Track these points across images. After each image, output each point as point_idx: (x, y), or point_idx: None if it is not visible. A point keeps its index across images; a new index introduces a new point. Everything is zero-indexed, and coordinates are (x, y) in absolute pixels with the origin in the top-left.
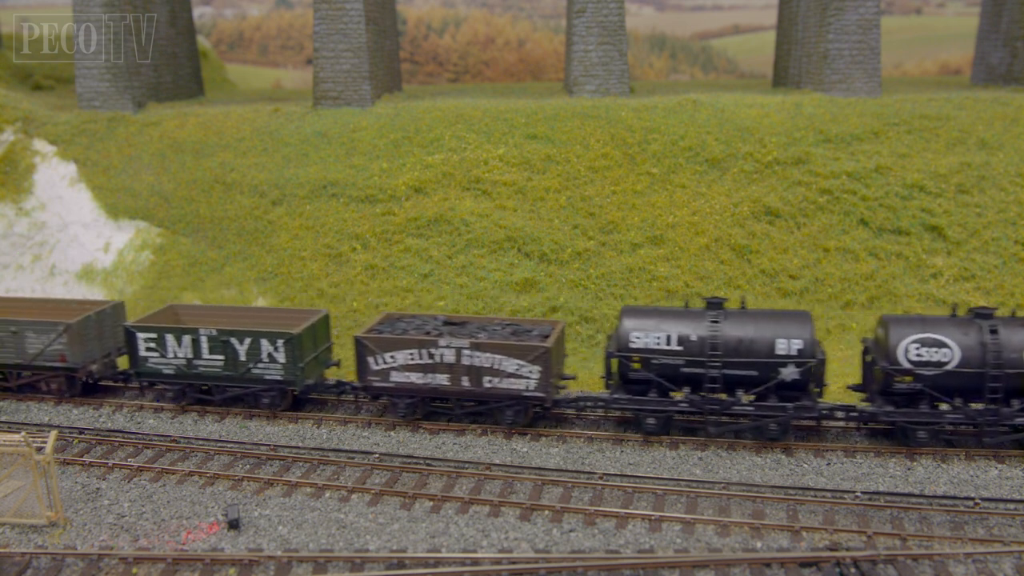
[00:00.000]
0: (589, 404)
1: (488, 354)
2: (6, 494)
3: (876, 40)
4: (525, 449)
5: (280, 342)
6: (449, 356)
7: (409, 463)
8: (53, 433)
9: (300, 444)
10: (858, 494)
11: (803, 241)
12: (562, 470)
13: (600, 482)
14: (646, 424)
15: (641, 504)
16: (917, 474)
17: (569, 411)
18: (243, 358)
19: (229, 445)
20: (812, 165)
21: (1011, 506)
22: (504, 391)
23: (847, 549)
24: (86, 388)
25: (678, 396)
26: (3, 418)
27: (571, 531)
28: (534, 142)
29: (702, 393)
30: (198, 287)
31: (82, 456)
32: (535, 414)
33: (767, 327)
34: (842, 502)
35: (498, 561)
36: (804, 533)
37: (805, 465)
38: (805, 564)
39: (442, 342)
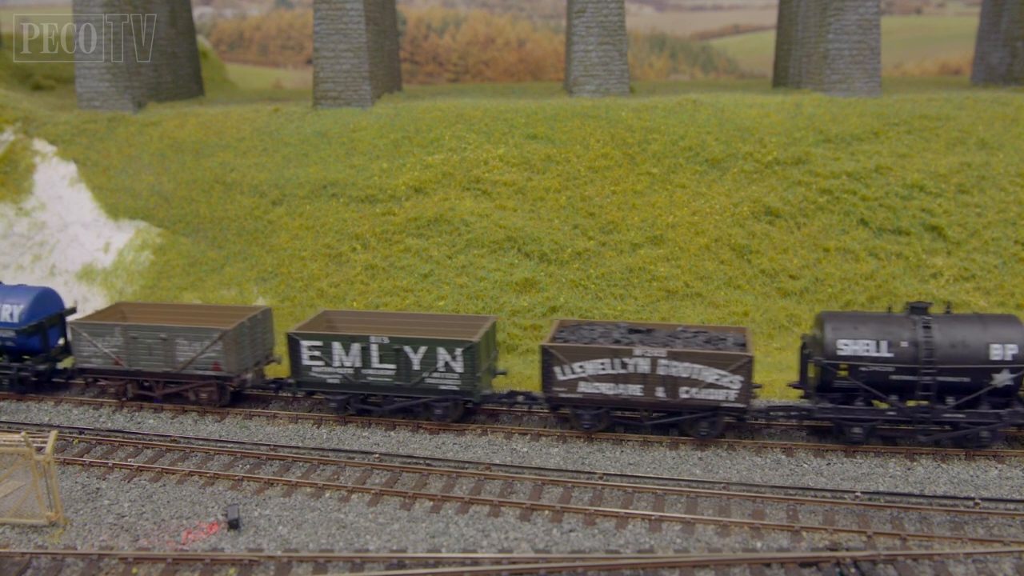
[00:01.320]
0: (782, 414)
1: (687, 364)
2: (6, 494)
3: (876, 40)
4: (525, 449)
5: (459, 351)
6: (644, 366)
7: (409, 463)
8: (53, 433)
9: (300, 444)
10: (858, 494)
11: (803, 241)
12: (562, 470)
13: (600, 482)
14: (852, 433)
15: (641, 504)
16: (917, 474)
17: (759, 422)
18: (417, 367)
19: (229, 445)
20: (812, 165)
21: (1011, 506)
22: (701, 402)
23: (847, 549)
24: (234, 397)
25: (882, 405)
26: (3, 418)
27: (571, 531)
28: (534, 142)
29: (911, 401)
30: (198, 287)
31: (82, 456)
32: (728, 424)
33: (979, 332)
34: (842, 502)
35: (498, 561)
36: (804, 533)
37: (805, 465)
38: (805, 564)
39: (637, 351)
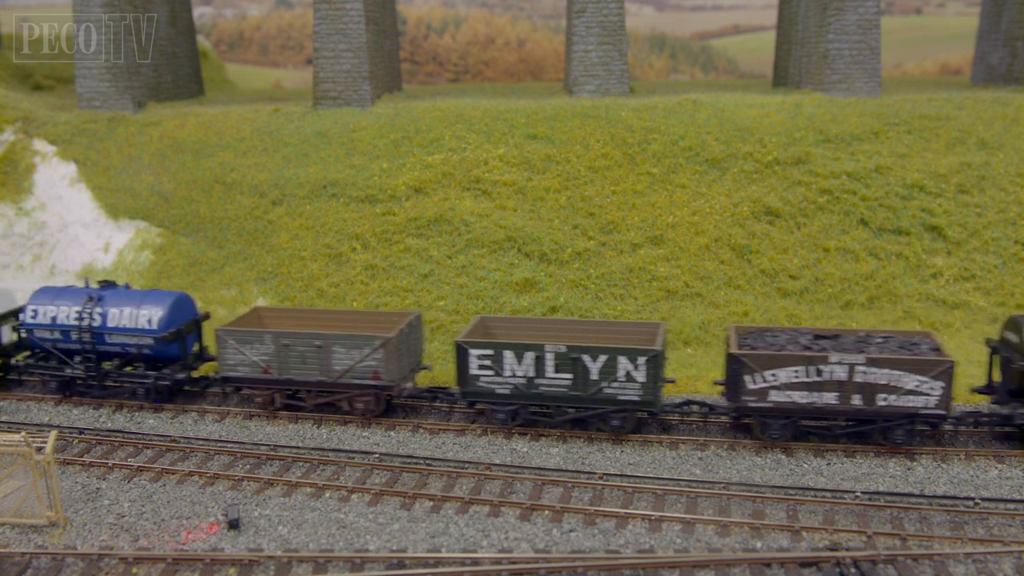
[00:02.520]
0: (978, 420)
1: (886, 370)
2: (6, 494)
3: (876, 40)
4: (525, 449)
5: (642, 359)
6: (840, 373)
7: (409, 463)
8: (53, 433)
9: (300, 444)
10: (858, 494)
11: (803, 241)
12: (562, 470)
13: (600, 482)
14: None
15: (641, 504)
16: (917, 474)
17: (956, 428)
18: (595, 377)
19: (229, 445)
20: (812, 165)
21: (1011, 506)
22: (899, 409)
23: (847, 549)
24: (387, 408)
25: None
26: (3, 418)
27: (571, 531)
28: (534, 142)
29: None
30: (198, 287)
31: (82, 456)
32: (924, 432)
33: None
34: (842, 502)
35: (498, 561)
36: (804, 533)
37: (805, 465)
38: (805, 564)
39: (833, 358)
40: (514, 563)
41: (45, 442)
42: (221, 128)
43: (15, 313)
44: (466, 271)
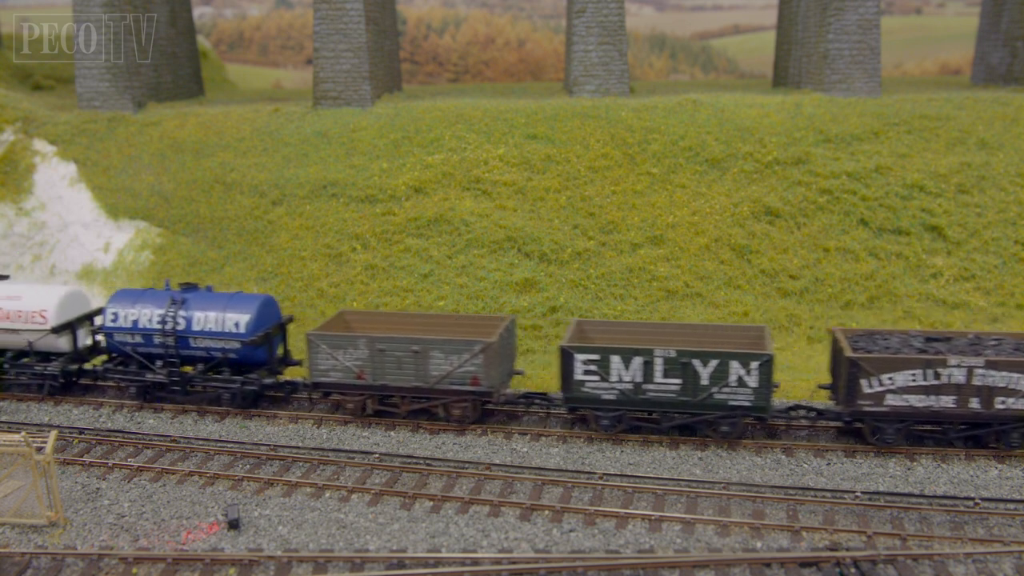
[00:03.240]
0: None
1: (1005, 372)
2: (6, 494)
3: (876, 40)
4: (525, 449)
5: (754, 364)
6: (959, 376)
7: (409, 463)
8: (53, 433)
9: (300, 444)
10: (858, 494)
11: (803, 241)
12: (562, 470)
13: (600, 482)
14: None
15: (641, 504)
16: (917, 474)
17: None
18: (705, 382)
19: (229, 445)
20: (812, 165)
21: (1011, 506)
22: (1017, 412)
23: (847, 549)
24: (484, 413)
25: None
26: (3, 418)
27: (571, 531)
28: (534, 142)
29: None
30: None
31: (82, 456)
32: None
33: None
34: (842, 502)
35: (498, 561)
36: (804, 533)
37: (805, 465)
38: (805, 564)
39: (952, 360)
40: (514, 563)
41: (45, 442)
42: (221, 128)
43: (90, 316)
44: (466, 271)
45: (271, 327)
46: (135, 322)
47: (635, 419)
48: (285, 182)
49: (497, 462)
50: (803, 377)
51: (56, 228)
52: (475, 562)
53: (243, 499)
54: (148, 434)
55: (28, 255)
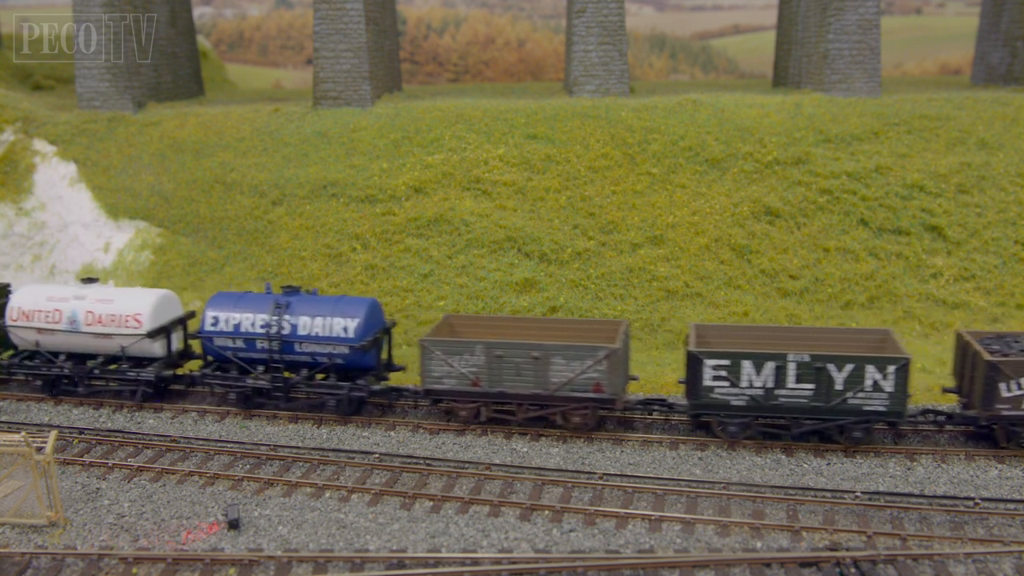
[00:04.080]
0: None
1: None
2: (6, 494)
3: (876, 40)
4: (525, 449)
5: (891, 368)
6: None
7: (409, 463)
8: (53, 433)
9: (300, 444)
10: (858, 494)
11: (803, 241)
12: (562, 470)
13: (600, 482)
14: None
15: (641, 504)
16: (917, 474)
17: None
18: (840, 387)
19: (229, 445)
20: (812, 165)
21: (1011, 506)
22: None
23: (847, 549)
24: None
25: None
26: (3, 418)
27: (571, 531)
28: (534, 142)
29: None
30: (198, 287)
31: (82, 456)
32: None
33: None
34: (842, 502)
35: (498, 561)
36: (804, 533)
37: (805, 465)
38: (805, 564)
39: None
40: (514, 563)
41: (45, 442)
42: (221, 128)
43: (183, 320)
44: (466, 271)
45: (378, 331)
46: (236, 326)
47: (764, 426)
48: (285, 182)
49: (497, 462)
50: None
51: (56, 228)
52: (475, 562)
53: (243, 499)
54: (148, 434)
55: (28, 255)
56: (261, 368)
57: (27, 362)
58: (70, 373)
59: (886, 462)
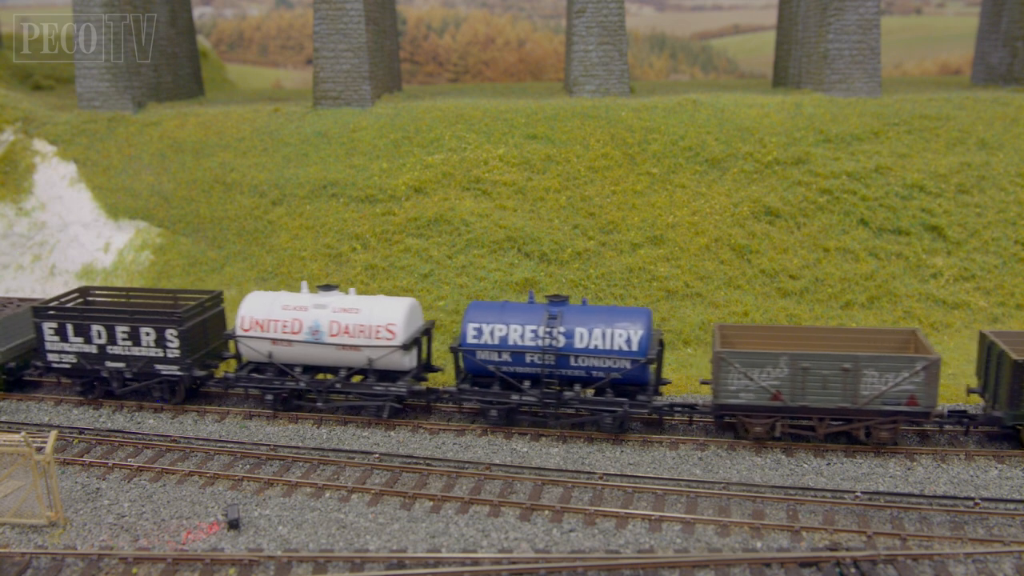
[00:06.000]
0: None
1: None
2: (6, 494)
3: (876, 40)
4: (525, 449)
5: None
6: None
7: (409, 463)
8: (53, 433)
9: (300, 444)
10: (858, 494)
11: (803, 241)
12: (562, 470)
13: (600, 482)
14: None
15: (641, 504)
16: (917, 474)
17: None
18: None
19: (229, 445)
20: (812, 165)
21: (1011, 506)
22: None
23: (847, 549)
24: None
25: None
26: (3, 418)
27: (571, 531)
28: (534, 142)
29: None
30: (198, 287)
31: (82, 456)
32: None
33: None
34: (842, 502)
35: (498, 561)
36: (804, 533)
37: (805, 465)
38: (805, 564)
39: None
40: (514, 563)
41: (45, 442)
42: (221, 128)
43: (427, 330)
44: (466, 271)
45: (658, 344)
46: (503, 338)
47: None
48: (285, 182)
49: (497, 462)
50: None
51: (56, 228)
52: (475, 562)
53: (243, 499)
54: (148, 434)
55: (28, 255)
56: (527, 383)
57: (255, 375)
58: (307, 387)
59: (886, 462)
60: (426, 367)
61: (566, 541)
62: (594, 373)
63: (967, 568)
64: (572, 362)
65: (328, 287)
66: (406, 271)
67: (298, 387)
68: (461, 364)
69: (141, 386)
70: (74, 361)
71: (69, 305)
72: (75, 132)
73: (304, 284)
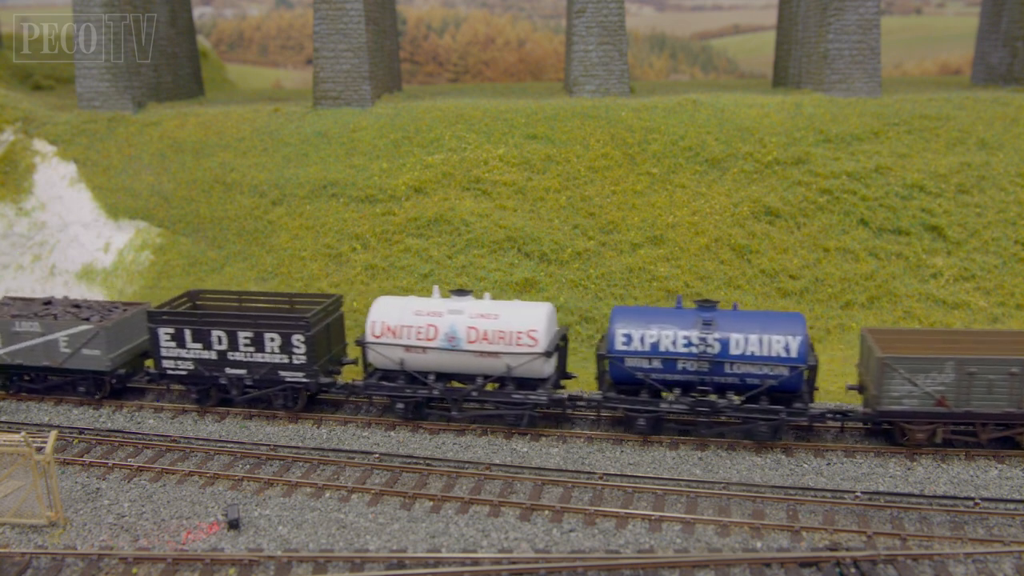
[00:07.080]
0: None
1: None
2: (6, 494)
3: (876, 40)
4: (525, 449)
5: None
6: None
7: (409, 463)
8: (53, 433)
9: (300, 444)
10: (858, 494)
11: (803, 241)
12: (562, 470)
13: (600, 482)
14: None
15: (641, 504)
16: (917, 474)
17: None
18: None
19: (229, 445)
20: (812, 165)
21: (1011, 506)
22: None
23: (847, 549)
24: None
25: None
26: (3, 418)
27: (571, 531)
28: (534, 142)
29: None
30: (198, 287)
31: (82, 456)
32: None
33: None
34: (842, 502)
35: (498, 561)
36: (804, 533)
37: (805, 465)
38: (805, 564)
39: None
40: (514, 563)
41: (45, 442)
42: (221, 128)
43: (565, 335)
44: (466, 271)
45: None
46: (654, 345)
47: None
48: (285, 182)
49: (497, 462)
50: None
51: (56, 228)
52: (475, 562)
53: (243, 499)
54: (148, 434)
55: (28, 255)
56: (677, 391)
57: (384, 383)
58: (441, 395)
59: (886, 462)
60: (563, 374)
61: (566, 541)
62: (748, 380)
63: (967, 568)
64: (727, 369)
65: (461, 291)
66: (406, 271)
67: (432, 395)
68: (607, 370)
69: (262, 393)
70: (191, 368)
71: (181, 309)
72: (75, 132)
73: (436, 288)
